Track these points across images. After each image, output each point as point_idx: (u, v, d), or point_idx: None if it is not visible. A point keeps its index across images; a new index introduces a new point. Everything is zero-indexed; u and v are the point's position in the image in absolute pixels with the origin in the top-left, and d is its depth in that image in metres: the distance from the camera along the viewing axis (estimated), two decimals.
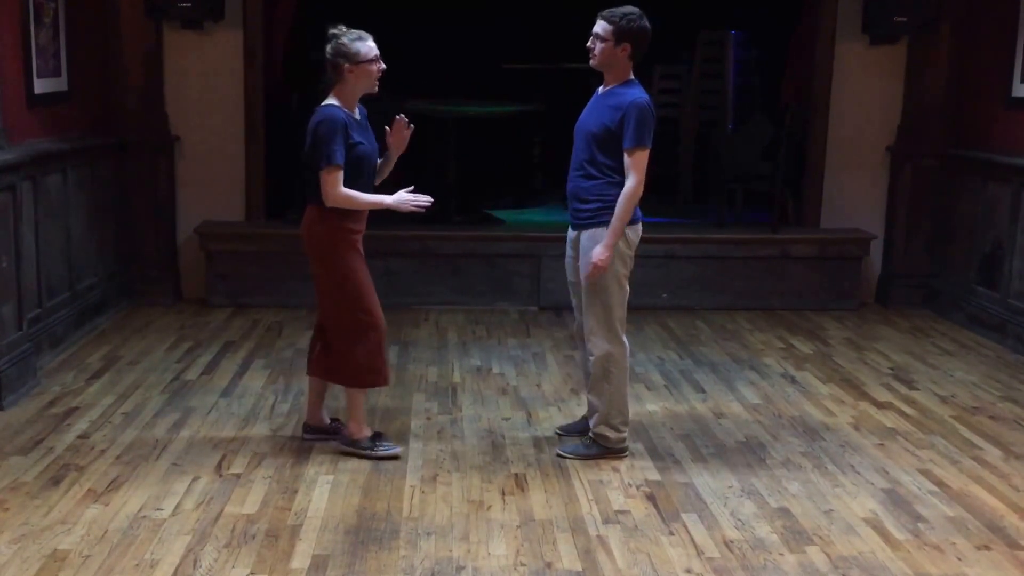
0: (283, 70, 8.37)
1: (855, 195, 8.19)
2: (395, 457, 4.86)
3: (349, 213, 4.71)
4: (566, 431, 5.19)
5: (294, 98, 8.00)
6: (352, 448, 4.88)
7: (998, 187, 7.20)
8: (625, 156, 4.62)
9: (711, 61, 9.81)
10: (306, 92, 8.39)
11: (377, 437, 4.94)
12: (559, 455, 4.92)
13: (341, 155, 4.59)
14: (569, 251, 4.97)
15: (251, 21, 7.74)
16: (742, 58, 9.84)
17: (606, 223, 4.66)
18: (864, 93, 8.05)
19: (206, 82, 7.74)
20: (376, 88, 4.75)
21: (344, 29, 4.71)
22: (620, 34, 4.64)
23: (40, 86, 6.23)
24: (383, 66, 4.73)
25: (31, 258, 5.92)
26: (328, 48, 4.67)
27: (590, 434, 4.97)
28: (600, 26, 4.68)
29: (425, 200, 4.77)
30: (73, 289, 6.63)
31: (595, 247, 4.68)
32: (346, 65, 4.64)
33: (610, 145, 4.66)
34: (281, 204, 8.20)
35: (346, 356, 4.83)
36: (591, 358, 4.87)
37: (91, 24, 7.15)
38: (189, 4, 7.38)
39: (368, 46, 4.67)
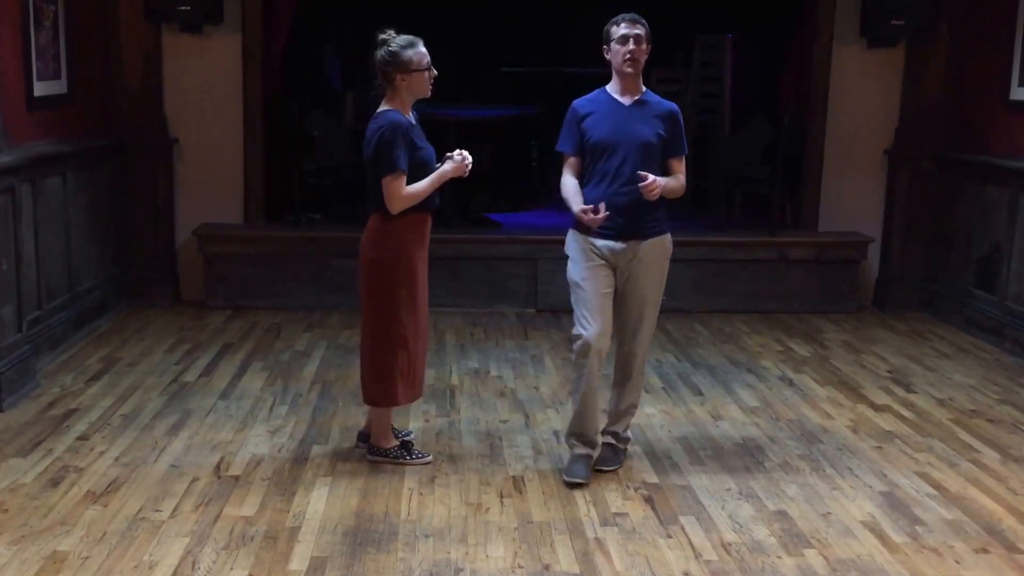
0: (282, 72, 8.38)
1: (853, 198, 8.19)
2: (427, 463, 4.85)
3: (414, 219, 4.65)
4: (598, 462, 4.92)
5: (293, 100, 8.01)
6: (382, 457, 4.86)
7: (996, 190, 7.21)
8: (676, 161, 4.78)
9: (709, 64, 9.83)
10: (305, 94, 8.45)
11: (404, 446, 4.90)
12: (600, 470, 4.75)
13: (405, 161, 4.52)
14: (600, 262, 4.66)
15: (250, 24, 7.75)
16: (740, 61, 9.85)
17: (668, 228, 4.74)
18: (862, 96, 8.07)
19: (205, 85, 7.75)
20: (429, 93, 4.67)
21: (393, 34, 4.59)
22: (649, 36, 4.65)
23: (40, 89, 6.24)
24: (435, 72, 4.65)
25: (31, 260, 5.93)
26: (378, 55, 4.56)
27: (624, 438, 4.91)
28: (641, 30, 4.59)
29: (468, 159, 4.70)
30: (72, 291, 6.64)
31: (664, 250, 4.71)
32: (398, 75, 4.56)
33: (660, 152, 4.70)
34: (279, 206, 8.21)
35: (367, 369, 4.82)
36: (637, 363, 4.77)
37: (90, 27, 7.16)
38: (188, 7, 7.39)
39: (420, 53, 4.57)
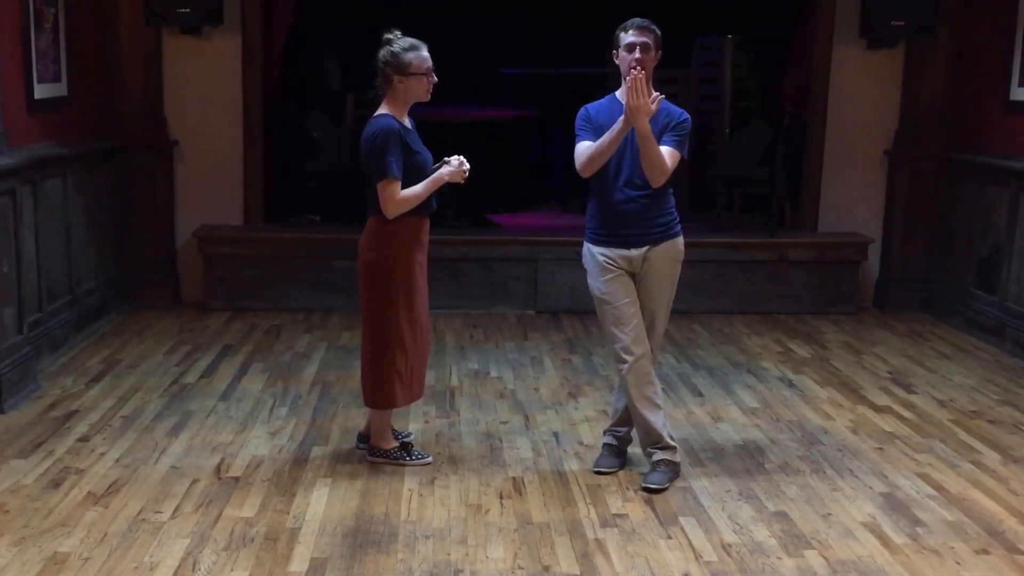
0: (282, 74, 8.39)
1: (853, 199, 8.20)
2: (427, 464, 4.85)
3: (411, 223, 4.65)
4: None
5: (292, 102, 8.02)
6: (382, 458, 4.86)
7: (996, 191, 7.21)
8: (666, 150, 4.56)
9: (709, 65, 9.82)
10: (305, 95, 8.46)
11: (404, 448, 4.90)
12: (650, 488, 4.65)
13: (398, 167, 4.52)
14: (617, 271, 4.65)
15: (249, 26, 7.76)
16: (740, 62, 9.85)
17: (679, 232, 4.70)
18: (862, 97, 8.07)
19: (205, 86, 7.76)
20: (427, 98, 4.66)
21: (398, 35, 4.59)
22: (658, 42, 4.59)
23: (40, 91, 6.24)
24: (435, 78, 4.63)
25: (31, 262, 5.93)
26: (380, 55, 4.57)
27: (627, 440, 4.90)
28: (649, 38, 4.51)
29: (466, 165, 4.70)
30: (73, 293, 6.64)
31: (676, 252, 4.69)
32: (396, 76, 4.56)
33: None
34: (279, 208, 8.22)
35: (366, 371, 4.83)
36: (650, 363, 4.72)
37: (91, 29, 7.17)
38: (188, 10, 7.39)
39: (420, 56, 4.56)
